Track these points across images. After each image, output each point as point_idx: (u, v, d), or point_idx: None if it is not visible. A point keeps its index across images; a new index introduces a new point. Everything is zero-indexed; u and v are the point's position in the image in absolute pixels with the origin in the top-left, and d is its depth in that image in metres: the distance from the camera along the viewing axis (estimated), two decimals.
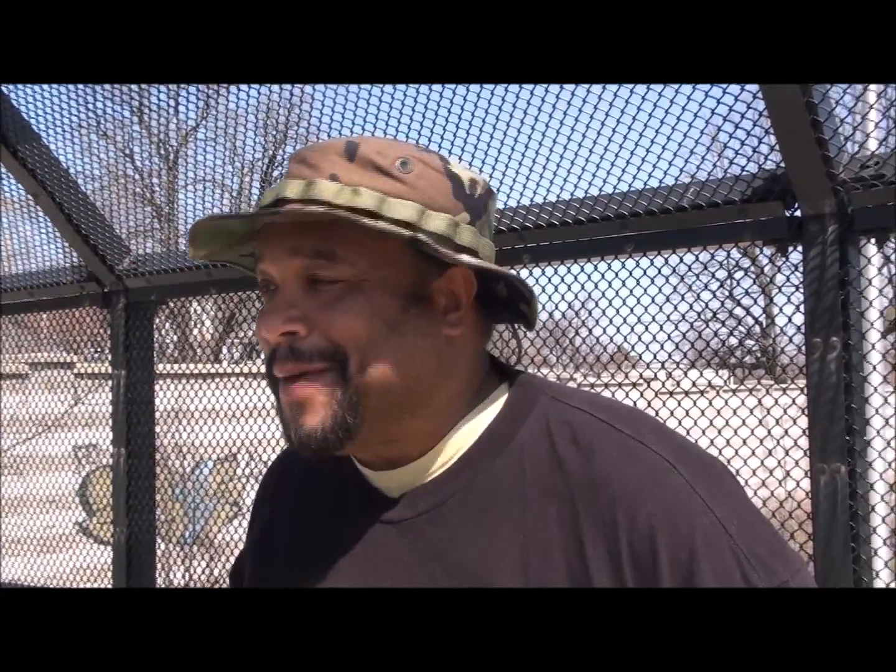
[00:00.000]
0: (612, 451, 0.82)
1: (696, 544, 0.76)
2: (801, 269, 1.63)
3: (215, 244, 0.91)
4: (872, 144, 1.63)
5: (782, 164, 1.64)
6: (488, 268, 0.87)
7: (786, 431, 1.69)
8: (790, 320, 1.69)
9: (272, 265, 0.86)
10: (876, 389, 1.56)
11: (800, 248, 1.64)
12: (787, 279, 1.71)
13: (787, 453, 1.67)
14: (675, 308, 1.88)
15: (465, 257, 0.86)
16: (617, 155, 1.83)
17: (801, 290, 1.63)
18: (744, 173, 1.72)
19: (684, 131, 1.75)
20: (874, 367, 1.56)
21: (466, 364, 0.91)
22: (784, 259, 1.70)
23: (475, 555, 0.83)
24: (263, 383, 2.64)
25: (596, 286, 1.95)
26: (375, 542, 0.89)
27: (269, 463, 1.11)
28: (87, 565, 3.14)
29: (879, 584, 1.54)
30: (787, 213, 1.66)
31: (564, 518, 0.81)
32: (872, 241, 1.59)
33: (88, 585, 3.03)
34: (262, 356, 0.91)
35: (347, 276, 0.84)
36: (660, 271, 1.88)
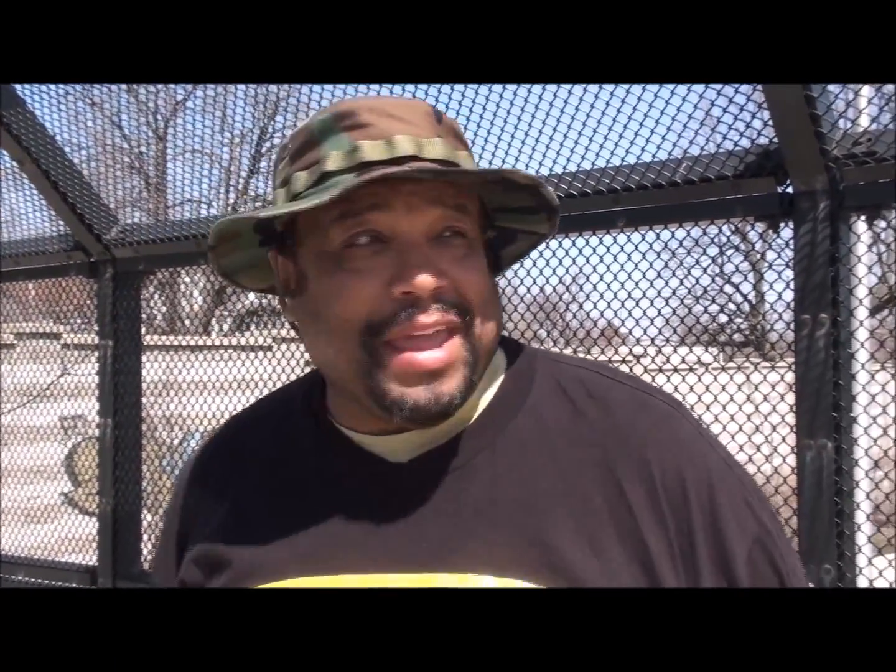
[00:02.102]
0: (626, 402, 0.88)
1: (713, 478, 0.85)
2: (791, 245, 1.63)
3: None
4: (865, 121, 1.63)
5: (775, 140, 1.64)
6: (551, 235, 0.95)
7: (773, 408, 1.69)
8: (780, 297, 1.69)
9: (402, 215, 0.82)
10: (863, 366, 1.57)
11: (791, 225, 1.64)
12: (778, 255, 1.70)
13: (774, 429, 1.68)
14: (667, 284, 1.88)
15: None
16: (610, 128, 1.82)
17: (792, 266, 1.63)
18: (736, 149, 1.71)
19: (678, 105, 1.74)
20: (861, 345, 1.56)
21: None
22: (775, 235, 1.70)
23: (518, 505, 0.84)
24: (247, 356, 2.63)
25: (587, 261, 1.94)
26: (395, 508, 0.86)
27: (194, 451, 1.04)
28: (73, 536, 3.13)
29: (862, 559, 1.55)
30: (779, 189, 1.66)
31: (597, 463, 0.85)
32: (863, 217, 1.58)
33: (74, 556, 3.03)
34: (352, 316, 0.83)
35: (470, 232, 0.86)
36: (651, 246, 1.87)
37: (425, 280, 0.81)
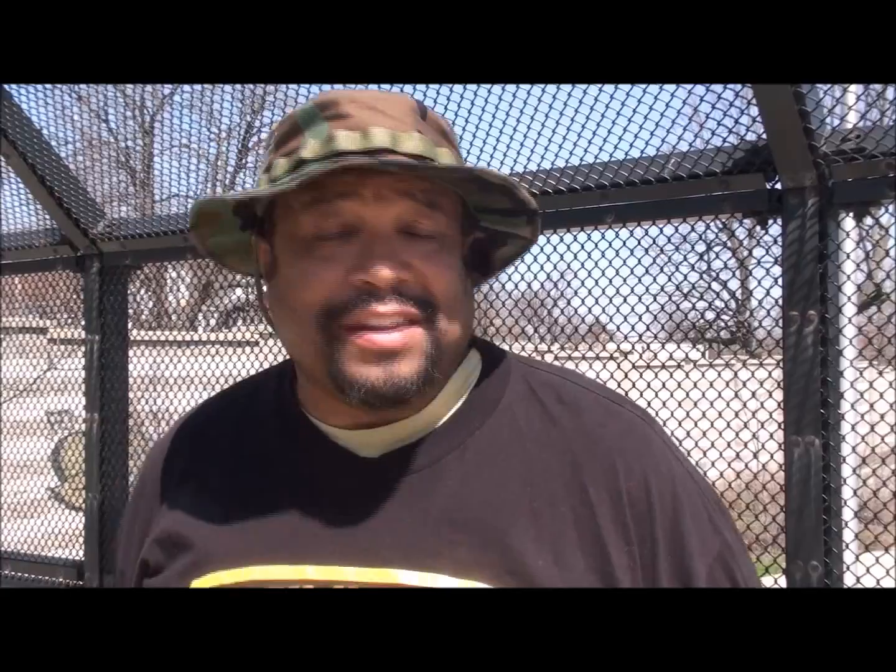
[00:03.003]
0: (595, 409, 0.89)
1: (677, 490, 0.86)
2: (779, 242, 1.63)
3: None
4: (853, 118, 1.63)
5: (764, 136, 1.63)
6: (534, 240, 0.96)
7: (761, 405, 1.69)
8: (768, 293, 1.69)
9: (371, 205, 0.83)
10: (851, 363, 1.57)
11: (779, 221, 1.64)
12: (767, 252, 1.70)
13: (762, 426, 1.68)
14: (654, 280, 1.88)
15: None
16: (598, 124, 1.82)
17: (780, 263, 1.63)
18: (725, 145, 1.71)
19: (666, 101, 1.73)
20: (850, 341, 1.57)
21: None
22: (764, 232, 1.70)
23: (484, 507, 0.84)
24: (240, 351, 2.62)
25: (575, 256, 1.94)
26: (363, 502, 0.86)
27: (157, 441, 1.05)
28: (60, 531, 3.12)
29: (849, 556, 1.55)
30: (768, 186, 1.66)
31: (566, 468, 0.85)
32: (851, 214, 1.59)
33: (60, 551, 3.02)
34: (311, 300, 0.84)
35: (440, 229, 0.86)
36: (639, 242, 1.87)
37: (384, 272, 0.82)
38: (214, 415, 1.02)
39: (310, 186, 0.82)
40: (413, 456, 0.88)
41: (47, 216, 2.77)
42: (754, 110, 1.64)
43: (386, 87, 1.98)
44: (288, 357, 0.99)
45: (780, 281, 1.62)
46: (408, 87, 2.00)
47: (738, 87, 1.66)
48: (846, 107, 1.62)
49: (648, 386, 1.81)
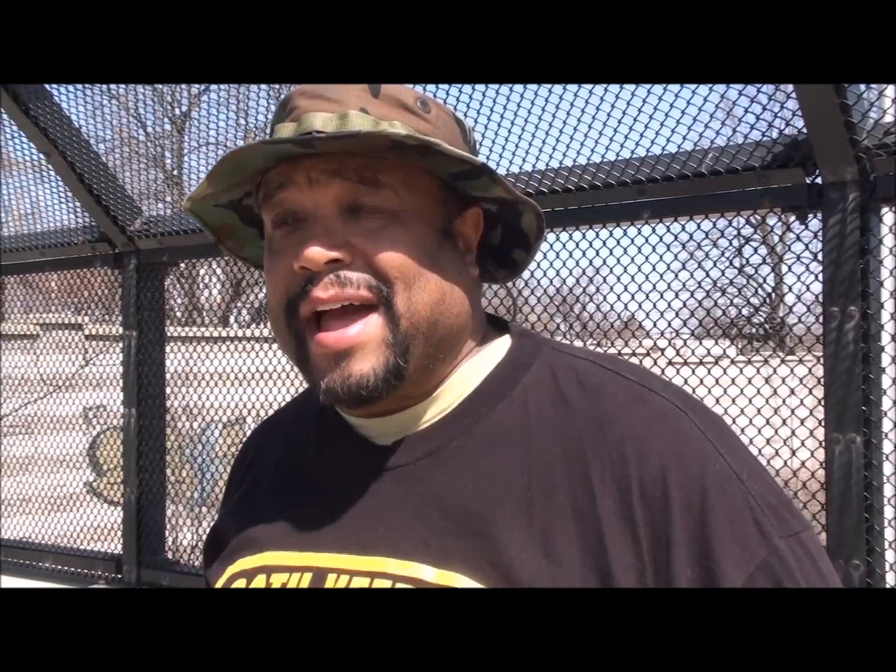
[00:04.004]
0: (620, 393, 0.81)
1: (708, 487, 0.74)
2: (819, 237, 1.61)
3: (223, 182, 0.87)
4: None
5: (804, 130, 1.62)
6: (522, 200, 0.87)
7: (801, 402, 1.68)
8: (808, 289, 1.67)
9: (306, 191, 0.82)
10: (893, 359, 1.55)
11: (819, 216, 1.62)
12: (806, 247, 1.69)
13: (802, 423, 1.67)
14: (692, 275, 1.86)
15: (499, 191, 0.86)
16: (635, 119, 1.81)
17: (820, 258, 1.61)
18: (764, 139, 1.69)
19: (705, 95, 1.72)
20: (892, 337, 1.55)
21: (479, 309, 0.92)
22: (803, 227, 1.68)
23: (475, 495, 0.81)
24: (271, 347, 2.64)
25: (611, 252, 1.93)
26: (368, 491, 0.86)
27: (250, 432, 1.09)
28: (97, 524, 3.16)
29: (891, 554, 1.53)
30: (808, 181, 1.64)
31: (570, 457, 0.79)
32: (894, 209, 1.57)
33: (98, 544, 3.06)
34: (276, 298, 0.85)
35: (391, 205, 0.82)
36: (676, 238, 1.86)
37: (313, 252, 0.79)
38: (280, 418, 1.06)
39: (260, 184, 0.85)
40: (419, 442, 0.86)
41: (86, 214, 2.80)
42: (793, 103, 1.63)
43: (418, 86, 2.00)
44: None
45: (819, 277, 1.61)
46: (435, 85, 2.00)
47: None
48: (889, 99, 1.60)
49: (686, 382, 1.80)
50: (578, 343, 2.33)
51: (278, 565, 0.87)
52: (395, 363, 0.81)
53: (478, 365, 0.89)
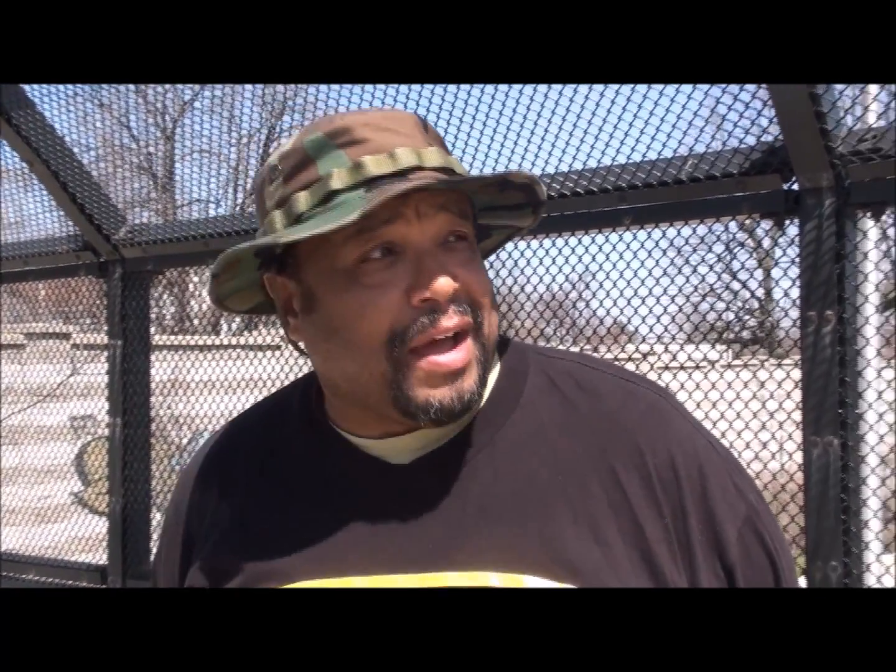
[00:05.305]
0: (614, 391, 0.92)
1: (703, 463, 0.88)
2: (797, 242, 1.63)
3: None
4: (871, 118, 1.63)
5: (780, 137, 1.64)
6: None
7: (780, 405, 1.69)
8: (786, 294, 1.69)
9: (414, 224, 0.84)
10: (869, 363, 1.56)
11: (797, 222, 1.64)
12: (784, 253, 1.70)
13: (780, 426, 1.68)
14: (673, 281, 1.88)
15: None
16: (615, 126, 1.82)
17: (797, 263, 1.63)
18: (742, 146, 1.71)
19: (683, 102, 1.74)
20: (868, 341, 1.56)
21: None
22: (781, 233, 1.70)
23: (518, 499, 0.86)
24: (262, 355, 2.64)
25: (594, 259, 1.94)
26: (399, 511, 0.86)
27: (194, 454, 1.05)
28: (83, 535, 3.15)
29: (869, 555, 1.55)
30: (785, 187, 1.66)
31: (592, 453, 0.87)
32: (869, 214, 1.58)
33: (84, 556, 3.05)
34: (377, 330, 0.84)
35: (471, 235, 0.89)
36: (657, 244, 1.87)
37: (444, 284, 0.83)
38: (244, 435, 1.02)
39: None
40: (444, 458, 0.89)
41: (70, 223, 2.80)
42: (771, 111, 1.64)
43: (403, 87, 2.01)
44: (308, 373, 1.00)
45: (798, 281, 1.62)
46: (408, 88, 2.01)
47: (755, 87, 1.67)
48: (862, 107, 1.62)
49: (667, 387, 1.81)
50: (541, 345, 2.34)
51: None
52: (483, 378, 0.88)
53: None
